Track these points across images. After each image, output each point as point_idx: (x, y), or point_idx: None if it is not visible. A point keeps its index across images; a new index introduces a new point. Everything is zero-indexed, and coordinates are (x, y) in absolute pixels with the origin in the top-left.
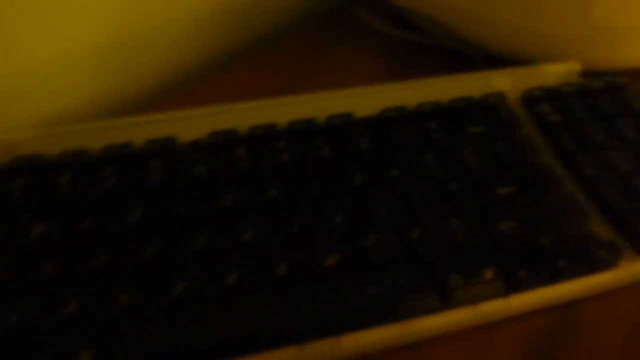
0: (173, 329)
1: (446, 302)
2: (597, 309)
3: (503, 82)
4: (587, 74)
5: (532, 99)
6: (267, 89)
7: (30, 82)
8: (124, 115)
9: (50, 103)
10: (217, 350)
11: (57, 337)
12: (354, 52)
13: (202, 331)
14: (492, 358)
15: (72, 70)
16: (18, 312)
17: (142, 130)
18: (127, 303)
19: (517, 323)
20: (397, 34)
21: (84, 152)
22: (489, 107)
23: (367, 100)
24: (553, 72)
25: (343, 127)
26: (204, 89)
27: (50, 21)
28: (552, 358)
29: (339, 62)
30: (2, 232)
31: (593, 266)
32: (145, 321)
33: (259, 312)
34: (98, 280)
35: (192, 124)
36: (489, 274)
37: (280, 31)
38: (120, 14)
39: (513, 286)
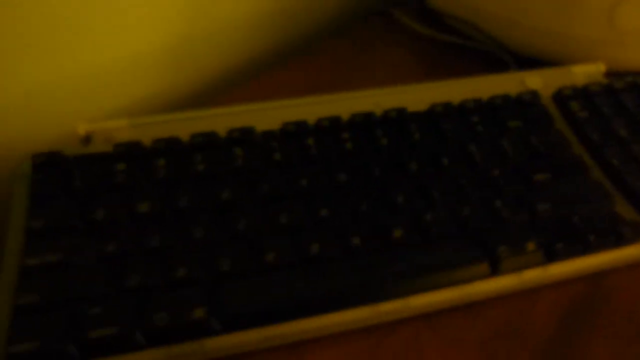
0: (267, 291)
1: (495, 270)
2: (623, 279)
3: (535, 82)
4: (611, 74)
5: (563, 97)
6: (314, 87)
7: (105, 79)
8: (186, 109)
9: (125, 96)
10: (303, 309)
11: (172, 296)
12: (393, 52)
13: (290, 292)
14: (533, 320)
15: (141, 68)
16: (137, 276)
17: (222, 120)
18: (228, 269)
19: (554, 290)
20: (432, 35)
21: (176, 139)
22: (524, 104)
23: (415, 96)
24: (580, 73)
25: (398, 120)
26: (256, 86)
27: (122, 23)
28: (585, 320)
29: (379, 62)
30: (112, 209)
31: (619, 241)
32: (244, 284)
33: (338, 277)
34: (200, 249)
35: (265, 116)
36: (531, 246)
37: (323, 33)
38: (183, 16)
39: (551, 257)
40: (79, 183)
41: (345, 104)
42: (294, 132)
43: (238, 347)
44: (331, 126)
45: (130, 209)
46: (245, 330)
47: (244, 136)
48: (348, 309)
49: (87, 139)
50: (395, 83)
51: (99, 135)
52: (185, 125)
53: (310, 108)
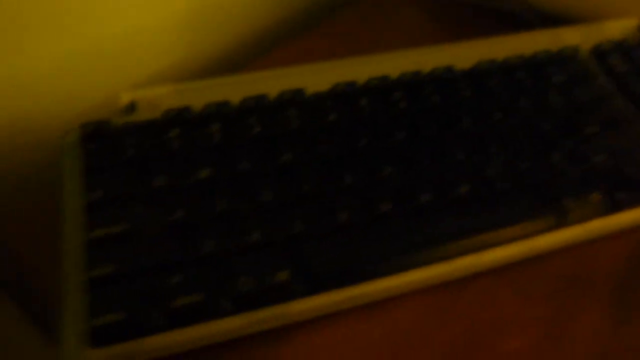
0: (345, 250)
1: (560, 222)
2: None
3: (572, 38)
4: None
5: (602, 52)
6: (337, 51)
7: (129, 46)
8: (214, 75)
9: (153, 64)
10: (382, 268)
11: (253, 261)
12: (412, 15)
13: (369, 251)
14: (599, 269)
15: (166, 35)
16: (211, 242)
17: (265, 83)
18: (302, 230)
19: (617, 239)
20: None
21: (227, 103)
22: (566, 60)
23: (457, 55)
24: (614, 28)
25: (446, 78)
26: (278, 55)
27: None
28: None
29: (400, 26)
30: (172, 176)
31: None
32: (321, 244)
33: (412, 235)
34: (270, 212)
35: (310, 77)
36: (594, 196)
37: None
38: None
39: (614, 207)
40: (134, 152)
41: (388, 64)
42: (345, 92)
43: (322, 309)
44: (381, 86)
45: (191, 175)
46: (329, 292)
47: (295, 97)
48: (426, 266)
49: (130, 107)
50: (421, 45)
51: (143, 103)
52: (229, 89)
53: (354, 69)
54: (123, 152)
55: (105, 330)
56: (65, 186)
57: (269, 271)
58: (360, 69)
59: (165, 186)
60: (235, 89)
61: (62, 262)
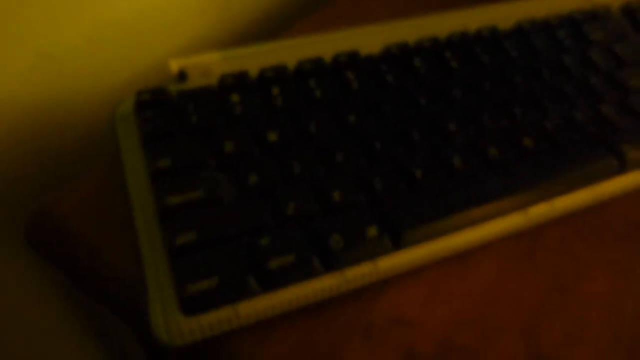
0: (426, 205)
1: (622, 167)
2: None
3: None
4: None
5: (631, 9)
6: (365, 21)
7: (164, 15)
8: (252, 41)
9: (179, 36)
10: (460, 221)
11: (340, 219)
12: None
13: (449, 205)
14: None
15: (194, 4)
16: (293, 204)
17: (321, 46)
18: (382, 188)
19: None
20: None
21: (283, 67)
22: (600, 18)
23: (496, 16)
24: None
25: (492, 37)
26: (306, 25)
27: None
28: None
29: None
30: (240, 141)
31: None
32: (402, 201)
33: (488, 187)
34: (345, 172)
35: (363, 40)
36: None
37: None
38: None
39: None
40: (196, 118)
41: (433, 25)
42: (399, 54)
43: (409, 263)
44: (432, 46)
45: (259, 139)
46: (415, 246)
47: (351, 60)
48: (502, 217)
49: (181, 76)
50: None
51: (194, 71)
52: (281, 54)
53: (402, 31)
54: (185, 119)
55: (198, 297)
56: (125, 157)
57: (358, 228)
58: (408, 31)
59: (236, 151)
60: (286, 53)
61: (137, 235)
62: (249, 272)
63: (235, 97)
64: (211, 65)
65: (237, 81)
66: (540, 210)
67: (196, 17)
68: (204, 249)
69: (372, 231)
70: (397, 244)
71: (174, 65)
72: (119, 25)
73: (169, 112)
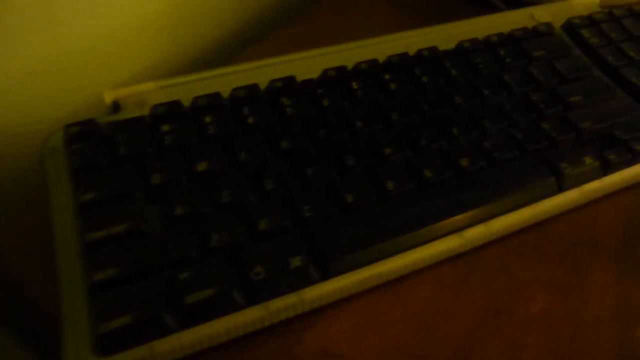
0: (357, 232)
1: (560, 186)
2: None
3: (544, 16)
4: (601, 7)
5: (573, 26)
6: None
7: (105, 48)
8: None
9: (135, 63)
10: (394, 246)
11: (264, 250)
12: (388, 6)
13: (379, 230)
14: (600, 229)
15: (139, 37)
16: (218, 235)
17: (249, 75)
18: (311, 215)
19: (611, 199)
20: None
21: (217, 95)
22: (541, 35)
23: (438, 37)
24: (580, 5)
25: (432, 58)
26: (254, 51)
27: None
28: None
29: (367, 18)
30: (168, 172)
31: None
32: (331, 228)
33: (421, 210)
34: (276, 199)
35: (296, 66)
36: (587, 160)
37: None
38: None
39: (606, 169)
40: (125, 149)
41: (374, 48)
42: (336, 77)
43: (339, 293)
44: (370, 69)
45: (189, 169)
46: (343, 275)
47: (287, 85)
48: (437, 240)
49: (115, 107)
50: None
51: (128, 101)
52: (217, 82)
53: (340, 55)
54: (114, 151)
55: (113, 336)
56: (51, 190)
57: (282, 259)
58: (348, 55)
59: (164, 182)
60: (222, 81)
61: (58, 270)
62: (166, 309)
63: (166, 127)
64: (146, 96)
65: (168, 111)
66: (477, 232)
67: (147, 46)
68: (124, 285)
69: (297, 261)
70: (324, 274)
71: (108, 97)
72: (64, 58)
73: (98, 144)
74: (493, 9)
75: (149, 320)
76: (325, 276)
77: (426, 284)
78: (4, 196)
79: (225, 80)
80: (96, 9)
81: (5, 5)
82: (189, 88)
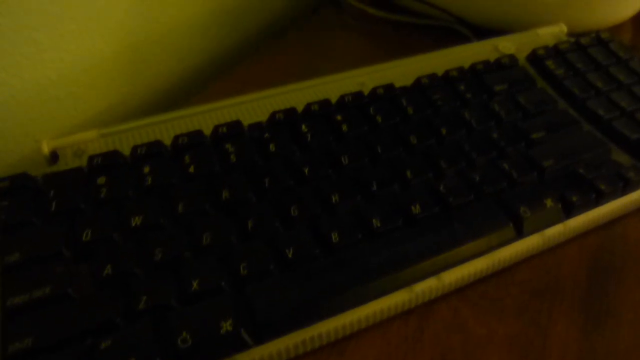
0: (294, 290)
1: (519, 232)
2: (636, 222)
3: (508, 47)
4: (570, 35)
5: (537, 57)
6: (280, 81)
7: (55, 92)
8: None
9: (76, 110)
10: (336, 304)
11: (192, 313)
12: (350, 38)
13: (319, 288)
14: (564, 276)
15: (93, 79)
16: (145, 296)
17: (200, 119)
18: (247, 273)
19: (575, 243)
20: (386, 16)
21: (158, 143)
22: (504, 68)
23: (396, 72)
24: (546, 35)
25: (388, 96)
26: (217, 88)
27: (67, 34)
28: (613, 268)
29: (339, 49)
30: (100, 227)
31: (626, 187)
32: (267, 286)
33: (365, 263)
34: (210, 256)
35: (246, 109)
36: (549, 202)
37: (274, 29)
38: (130, 20)
39: (569, 211)
40: (56, 204)
41: (328, 87)
42: (285, 120)
43: (275, 358)
44: (322, 110)
45: (122, 224)
46: (280, 338)
47: (232, 131)
48: (382, 297)
49: (53, 157)
50: (360, 67)
51: (67, 151)
52: (160, 129)
53: (293, 95)
54: (44, 206)
55: None
56: None
57: (212, 322)
58: (299, 95)
59: (94, 239)
60: (166, 127)
61: None
62: None
63: (102, 179)
64: (87, 145)
65: (106, 161)
66: (428, 286)
67: (100, 86)
68: (41, 357)
69: (227, 325)
70: (258, 338)
71: (45, 147)
72: (8, 103)
73: (29, 200)
74: (460, 38)
75: None
76: (260, 340)
77: (374, 344)
78: None
79: (170, 126)
80: (41, 54)
81: None
82: (131, 135)
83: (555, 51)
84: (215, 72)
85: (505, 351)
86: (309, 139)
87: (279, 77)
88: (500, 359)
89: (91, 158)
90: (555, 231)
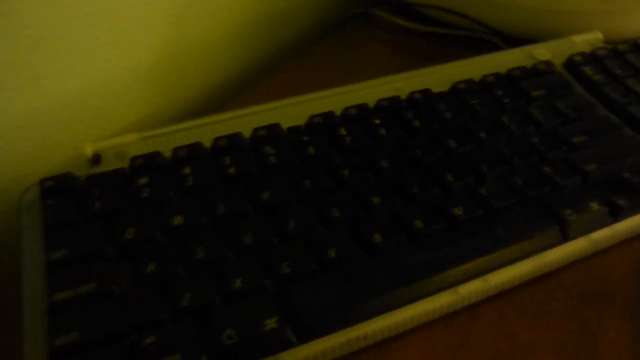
0: (338, 290)
1: (565, 235)
2: None
3: (543, 54)
4: (606, 43)
5: (574, 63)
6: (310, 90)
7: (94, 102)
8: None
9: (113, 119)
10: (381, 304)
11: (236, 310)
12: (379, 49)
13: (364, 288)
14: (612, 280)
15: (132, 86)
16: (189, 294)
17: (237, 123)
18: (290, 272)
19: (623, 248)
20: (416, 28)
21: (198, 145)
22: (541, 74)
23: (432, 79)
24: (581, 42)
25: (425, 101)
26: (248, 97)
27: (105, 43)
28: None
29: (368, 60)
30: (143, 227)
31: None
32: (311, 285)
33: (410, 264)
34: (253, 255)
35: (284, 113)
36: (595, 206)
37: (304, 40)
38: (167, 32)
39: (616, 214)
40: (100, 204)
41: (364, 93)
42: (323, 124)
43: (318, 358)
44: (360, 114)
45: (164, 223)
46: (324, 337)
47: (271, 133)
48: (427, 298)
49: (95, 159)
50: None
51: (109, 153)
52: (200, 132)
53: (329, 100)
54: (88, 206)
55: None
56: (23, 247)
57: (257, 320)
58: (336, 100)
59: (137, 238)
60: (205, 131)
61: (22, 332)
62: None
63: (144, 180)
64: (128, 147)
65: (147, 162)
66: (473, 288)
67: (136, 99)
68: (86, 351)
69: (272, 323)
70: (302, 336)
71: (89, 149)
72: (49, 111)
73: (73, 199)
74: (492, 48)
75: None
76: (304, 339)
77: (419, 346)
78: None
79: (210, 129)
80: (82, 62)
81: None
82: (172, 138)
83: (592, 57)
84: (246, 84)
85: (554, 357)
86: (347, 142)
87: (311, 87)
88: None
89: (133, 159)
90: (603, 235)
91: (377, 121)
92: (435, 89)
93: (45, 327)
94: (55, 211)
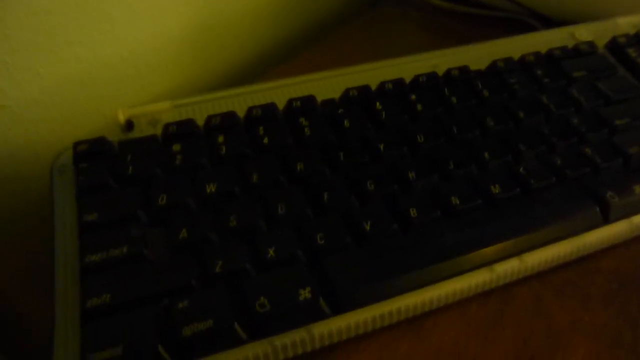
0: (373, 263)
1: (606, 217)
2: None
3: (585, 35)
4: None
5: (618, 45)
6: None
7: (125, 70)
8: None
9: (144, 89)
10: (415, 279)
11: (270, 280)
12: (415, 29)
13: (398, 262)
14: None
15: (164, 56)
16: (221, 262)
17: (268, 95)
18: (324, 243)
19: None
20: (452, 8)
21: (232, 114)
22: (583, 54)
23: (470, 56)
24: (625, 24)
25: (462, 78)
26: (279, 72)
27: (139, 11)
28: None
29: (403, 39)
30: (176, 193)
31: None
32: (345, 258)
33: (445, 240)
34: (285, 225)
35: (318, 86)
36: (637, 189)
37: (337, 16)
38: (200, 2)
39: None
40: (133, 169)
41: (400, 68)
42: (359, 97)
43: (351, 330)
44: (396, 89)
45: (197, 191)
46: (357, 310)
47: (306, 105)
48: (462, 275)
49: (128, 125)
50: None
51: (141, 120)
52: (232, 102)
53: (365, 75)
54: (121, 170)
55: None
56: (55, 210)
57: (290, 290)
58: (372, 75)
59: (169, 204)
60: (239, 101)
61: (54, 294)
62: (160, 340)
63: (177, 147)
64: (160, 115)
65: (181, 129)
66: (510, 267)
67: (168, 69)
68: (118, 313)
69: (306, 293)
70: (336, 308)
71: (121, 115)
72: (81, 77)
73: (106, 163)
74: (529, 31)
75: (142, 353)
76: (338, 310)
77: (452, 323)
78: (18, 216)
79: (243, 99)
80: (115, 30)
81: (22, 25)
82: (204, 107)
83: (637, 39)
84: (276, 59)
85: (592, 341)
86: (383, 116)
87: (343, 62)
88: (588, 349)
89: (166, 126)
90: None
91: (414, 96)
92: (473, 67)
93: (77, 290)
94: (88, 174)
